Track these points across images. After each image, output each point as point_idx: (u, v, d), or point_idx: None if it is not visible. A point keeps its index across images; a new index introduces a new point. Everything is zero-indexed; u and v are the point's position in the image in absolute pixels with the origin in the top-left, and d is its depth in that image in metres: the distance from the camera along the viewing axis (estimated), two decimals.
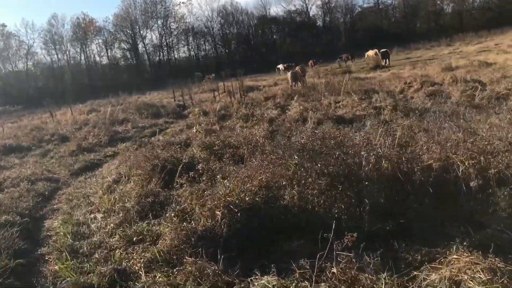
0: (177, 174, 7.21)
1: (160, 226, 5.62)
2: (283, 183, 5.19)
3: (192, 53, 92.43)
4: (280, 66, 50.26)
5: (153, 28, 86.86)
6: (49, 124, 25.20)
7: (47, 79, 77.45)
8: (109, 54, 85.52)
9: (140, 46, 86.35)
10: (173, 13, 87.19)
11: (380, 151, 5.45)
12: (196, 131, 13.43)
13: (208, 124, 14.68)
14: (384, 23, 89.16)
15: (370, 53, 44.88)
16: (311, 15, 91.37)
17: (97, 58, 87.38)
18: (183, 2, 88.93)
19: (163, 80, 66.47)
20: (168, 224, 5.36)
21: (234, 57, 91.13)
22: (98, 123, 21.42)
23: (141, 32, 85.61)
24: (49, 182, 10.88)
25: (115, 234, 5.93)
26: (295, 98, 17.97)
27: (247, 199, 4.90)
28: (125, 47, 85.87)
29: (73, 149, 15.75)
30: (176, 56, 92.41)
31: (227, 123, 15.30)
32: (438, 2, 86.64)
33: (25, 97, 61.35)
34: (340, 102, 14.77)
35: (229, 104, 19.91)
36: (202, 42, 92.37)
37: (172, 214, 5.49)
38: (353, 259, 3.91)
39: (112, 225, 6.26)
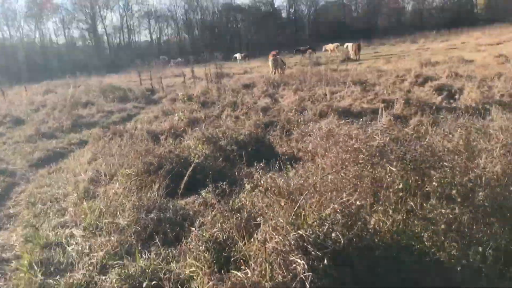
0: (185, 179, 5.28)
1: (182, 265, 3.71)
2: (379, 208, 3.40)
3: (154, 36, 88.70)
4: (238, 55, 48.88)
5: (114, 8, 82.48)
6: (0, 104, 22.25)
7: None
8: (66, 34, 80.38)
9: (100, 27, 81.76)
10: None
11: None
12: (178, 119, 11.39)
13: (191, 112, 12.63)
14: (347, 17, 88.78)
15: (330, 46, 44.38)
16: (276, 6, 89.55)
17: (53, 37, 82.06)
18: None
19: (122, 63, 63.22)
20: (199, 264, 3.45)
21: (197, 43, 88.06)
22: (57, 105, 18.84)
23: (101, 12, 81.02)
24: (2, 176, 8.61)
25: (109, 272, 3.95)
26: (281, 86, 16.23)
27: (333, 235, 3.07)
28: (84, 27, 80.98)
29: (30, 134, 13.35)
30: (137, 39, 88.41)
31: (211, 111, 13.34)
32: (400, 0, 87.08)
33: None
34: (337, 93, 13.08)
35: (206, 90, 17.84)
36: (165, 26, 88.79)
37: (201, 245, 3.58)
38: None
39: (101, 253, 4.26)
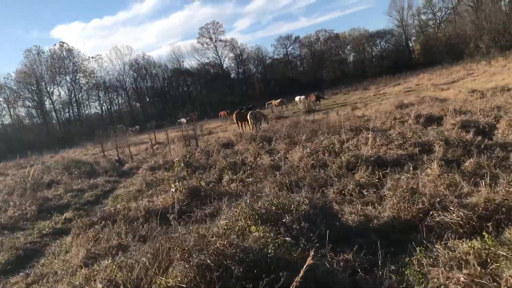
0: None
1: None
2: None
3: (104, 107, 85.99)
4: (182, 120, 47.43)
5: (61, 83, 79.63)
6: None
7: None
8: (12, 113, 75.98)
9: (48, 103, 78.31)
10: (83, 68, 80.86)
11: None
12: (176, 190, 9.29)
13: (181, 180, 10.52)
14: (294, 72, 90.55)
15: (275, 102, 45.76)
16: (224, 67, 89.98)
17: None
18: (92, 57, 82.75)
19: (73, 138, 59.99)
20: None
21: (149, 110, 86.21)
22: (15, 189, 16.11)
23: (48, 88, 77.85)
24: None
25: None
26: (274, 140, 14.54)
27: None
28: (30, 105, 77.15)
29: None
30: (87, 111, 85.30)
31: (206, 176, 11.31)
32: (340, 52, 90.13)
33: None
34: (347, 141, 11.42)
35: (187, 153, 15.81)
36: (115, 96, 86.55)
37: None
38: None
39: None
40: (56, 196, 14.29)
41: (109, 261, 5.02)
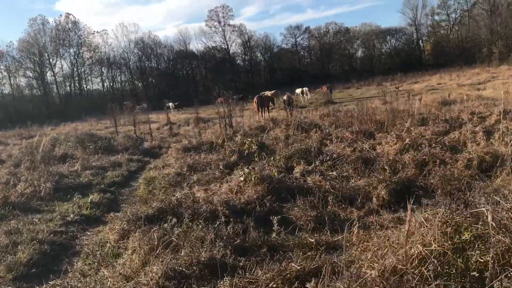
0: None
1: None
2: None
3: (106, 84, 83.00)
4: (170, 104, 46.07)
5: (64, 56, 76.46)
6: None
7: None
8: (12, 82, 72.75)
9: (49, 75, 75.13)
10: (87, 42, 77.66)
11: None
12: (244, 180, 7.06)
13: (251, 166, 8.16)
14: (301, 64, 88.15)
15: (298, 90, 42.87)
16: (231, 53, 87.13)
17: None
18: (97, 31, 79.45)
19: (73, 112, 57.26)
20: None
21: (152, 90, 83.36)
22: (22, 160, 13.81)
23: (51, 60, 74.62)
24: None
25: None
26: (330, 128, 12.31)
27: None
28: (31, 75, 73.94)
29: None
30: (88, 87, 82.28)
31: (262, 164, 9.05)
32: (348, 47, 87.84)
33: None
34: (446, 135, 9.09)
35: (223, 135, 13.50)
36: (118, 74, 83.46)
37: None
38: None
39: None
40: (72, 172, 12.01)
41: None
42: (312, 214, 5.50)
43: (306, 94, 39.41)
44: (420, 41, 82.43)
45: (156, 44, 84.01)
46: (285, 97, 22.95)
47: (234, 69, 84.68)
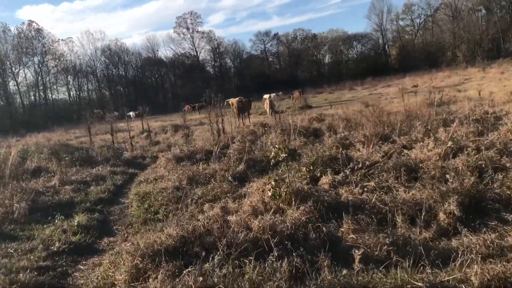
0: None
1: None
2: None
3: (73, 93, 79.48)
4: (131, 113, 44.25)
5: (28, 65, 72.66)
6: None
7: None
8: None
9: (12, 84, 71.16)
10: (52, 50, 74.17)
11: None
12: (273, 194, 5.79)
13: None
14: (271, 69, 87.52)
15: (266, 96, 42.00)
16: (200, 60, 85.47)
17: None
18: (62, 39, 76.05)
19: (38, 122, 54.22)
20: None
21: (120, 98, 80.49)
22: None
23: (13, 69, 70.72)
24: None
25: None
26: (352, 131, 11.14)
27: None
28: None
29: None
30: (54, 96, 78.55)
31: (279, 174, 7.80)
32: (316, 53, 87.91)
33: None
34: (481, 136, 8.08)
35: (215, 142, 12.14)
36: (84, 82, 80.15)
37: None
38: None
39: None
40: (49, 188, 10.37)
41: None
42: (385, 241, 4.24)
43: (274, 100, 38.41)
44: (386, 46, 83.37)
45: (123, 51, 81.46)
46: (267, 100, 21.69)
47: (203, 76, 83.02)
